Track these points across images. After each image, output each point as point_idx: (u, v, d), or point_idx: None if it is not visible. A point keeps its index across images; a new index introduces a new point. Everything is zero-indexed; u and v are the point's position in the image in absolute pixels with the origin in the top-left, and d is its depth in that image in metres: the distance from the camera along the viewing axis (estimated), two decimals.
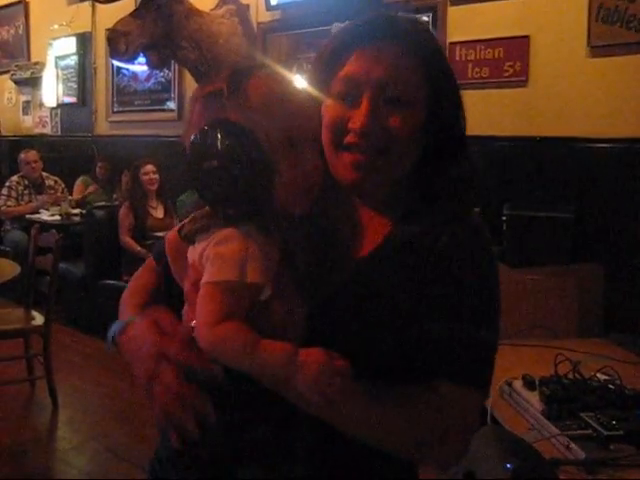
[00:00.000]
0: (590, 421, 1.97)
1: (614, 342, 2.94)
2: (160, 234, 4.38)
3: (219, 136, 0.78)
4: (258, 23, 4.75)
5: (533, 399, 2.21)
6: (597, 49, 3.31)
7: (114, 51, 4.19)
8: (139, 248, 4.55)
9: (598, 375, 2.31)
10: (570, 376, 2.29)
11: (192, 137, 0.81)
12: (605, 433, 1.88)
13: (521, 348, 2.90)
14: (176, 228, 0.91)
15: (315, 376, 0.75)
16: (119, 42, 4.15)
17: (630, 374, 2.31)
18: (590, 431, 1.93)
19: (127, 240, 4.60)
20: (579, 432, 1.94)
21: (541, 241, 3.29)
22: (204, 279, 0.80)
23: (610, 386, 2.21)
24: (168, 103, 5.70)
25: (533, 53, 3.53)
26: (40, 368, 3.61)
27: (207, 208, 0.85)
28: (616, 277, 3.21)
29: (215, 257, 0.80)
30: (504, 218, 3.38)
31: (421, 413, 0.85)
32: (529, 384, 2.29)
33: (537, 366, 2.53)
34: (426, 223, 0.91)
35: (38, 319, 3.54)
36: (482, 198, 3.37)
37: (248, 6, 4.76)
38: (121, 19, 4.21)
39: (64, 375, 3.66)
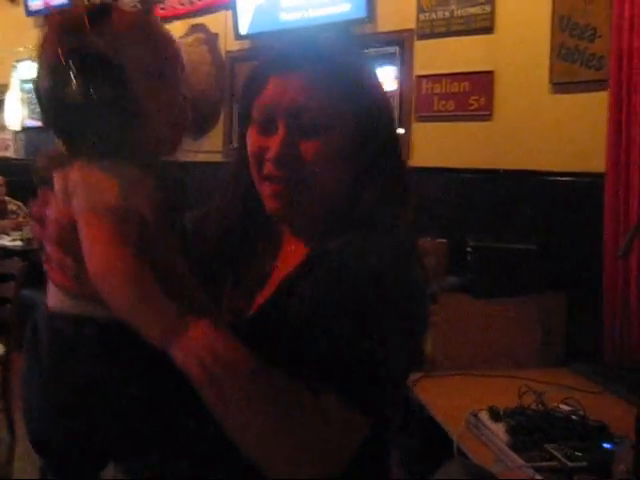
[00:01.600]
0: (554, 452, 2.00)
1: (576, 372, 2.99)
2: None
3: (78, 67, 0.74)
4: (227, 52, 4.78)
5: (499, 430, 2.23)
6: (558, 86, 3.41)
7: None
8: None
9: (561, 406, 2.35)
10: (534, 407, 2.32)
11: (48, 68, 0.76)
12: (569, 464, 1.91)
13: (486, 379, 2.93)
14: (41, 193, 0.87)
15: (197, 348, 0.71)
16: None
17: (592, 404, 2.35)
18: (555, 462, 1.97)
19: None
20: (544, 464, 1.97)
21: (505, 272, 3.34)
22: (80, 208, 0.75)
23: (573, 417, 2.25)
24: None
25: (497, 88, 3.62)
26: None
27: (60, 145, 0.81)
28: (578, 307, 3.27)
29: (86, 185, 0.75)
30: (469, 249, 3.43)
31: (299, 416, 0.75)
32: (494, 415, 2.31)
33: (502, 397, 2.56)
34: (338, 243, 0.87)
35: None
36: (446, 229, 3.43)
37: (217, 35, 4.80)
38: None
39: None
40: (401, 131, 4.01)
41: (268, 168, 0.88)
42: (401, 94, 3.99)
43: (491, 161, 3.65)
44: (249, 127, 0.92)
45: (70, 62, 0.74)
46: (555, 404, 2.35)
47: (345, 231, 0.88)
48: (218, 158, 4.09)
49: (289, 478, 0.76)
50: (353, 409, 0.78)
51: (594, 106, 3.29)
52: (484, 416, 2.34)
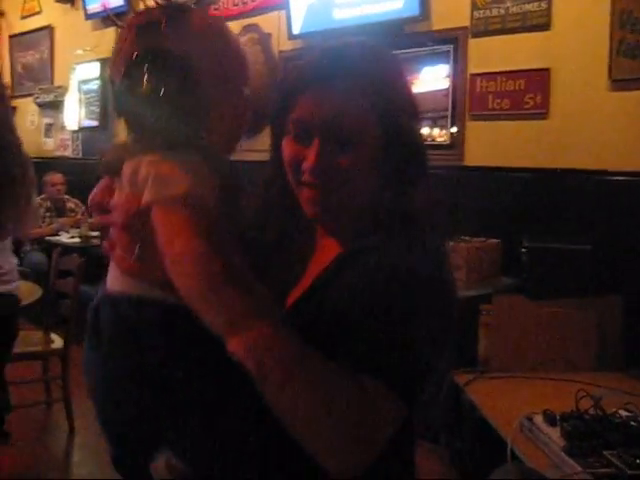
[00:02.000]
0: (613, 459, 1.96)
1: (634, 376, 2.92)
2: None
3: (152, 65, 0.78)
4: (280, 51, 4.81)
5: (554, 435, 2.19)
6: (618, 83, 3.32)
7: None
8: None
9: (620, 411, 2.30)
10: (591, 412, 2.27)
11: (126, 65, 0.80)
12: (629, 472, 1.87)
13: (540, 381, 2.89)
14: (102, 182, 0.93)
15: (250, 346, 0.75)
16: None
17: None
18: (613, 469, 1.92)
19: None
20: (602, 470, 1.93)
21: (560, 273, 3.28)
22: (154, 198, 0.78)
23: (632, 423, 2.20)
24: None
25: (554, 85, 3.55)
26: (57, 391, 3.62)
27: (125, 140, 0.85)
28: (635, 309, 3.19)
29: (160, 177, 0.77)
30: (524, 250, 3.38)
31: (348, 401, 0.80)
32: (550, 419, 2.28)
33: (557, 400, 2.51)
34: (365, 249, 0.93)
35: (57, 342, 3.56)
36: (501, 229, 3.39)
37: (270, 35, 4.84)
38: None
39: (81, 398, 3.65)
40: (454, 130, 3.98)
41: (305, 176, 0.94)
42: (455, 92, 3.96)
43: (547, 160, 3.58)
44: (284, 137, 0.97)
45: (145, 60, 0.78)
46: (613, 409, 2.29)
47: (375, 232, 0.94)
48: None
49: (338, 458, 0.81)
50: (393, 394, 0.83)
51: None
52: (539, 420, 2.31)
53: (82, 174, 6.60)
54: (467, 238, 3.60)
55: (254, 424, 0.87)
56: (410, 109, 0.98)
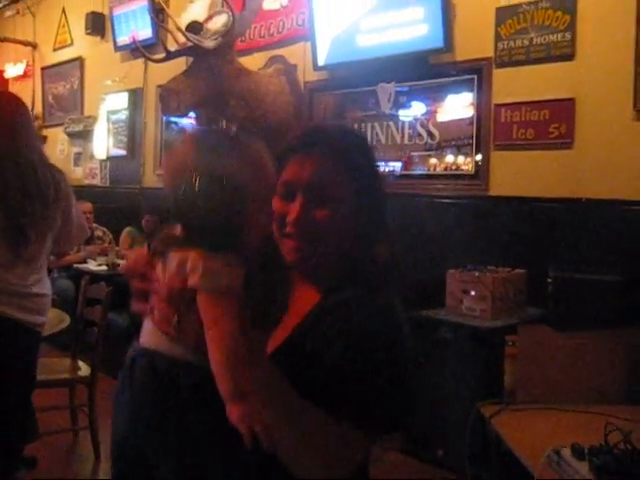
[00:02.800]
0: None
1: None
2: None
3: (207, 178, 0.98)
4: (305, 82, 4.88)
5: (583, 469, 2.15)
6: None
7: (166, 108, 4.33)
8: None
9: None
10: (621, 446, 2.23)
11: (189, 180, 0.99)
12: None
13: (567, 413, 2.85)
14: (138, 252, 1.14)
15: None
16: (171, 100, 4.29)
17: None
18: None
19: None
20: None
21: (588, 304, 3.25)
22: (200, 285, 0.96)
23: None
24: None
25: (579, 115, 3.55)
26: (84, 418, 3.64)
27: (173, 229, 1.04)
28: None
29: (209, 270, 0.96)
30: (550, 280, 3.35)
31: (328, 438, 1.00)
32: (578, 453, 2.24)
33: (585, 433, 2.47)
34: (341, 303, 1.09)
35: (84, 369, 3.60)
36: (526, 259, 3.36)
37: (296, 66, 4.91)
38: (173, 78, 4.35)
39: (107, 426, 3.66)
40: (478, 158, 3.99)
41: (288, 228, 1.11)
42: (479, 122, 3.97)
43: (573, 190, 3.57)
44: (273, 199, 1.14)
45: (204, 181, 0.98)
46: None
47: (347, 283, 1.11)
48: None
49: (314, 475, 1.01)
50: (362, 434, 1.03)
51: None
52: (567, 453, 2.27)
53: (110, 202, 6.73)
54: (492, 268, 3.59)
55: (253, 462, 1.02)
56: (375, 175, 1.19)
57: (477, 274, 3.48)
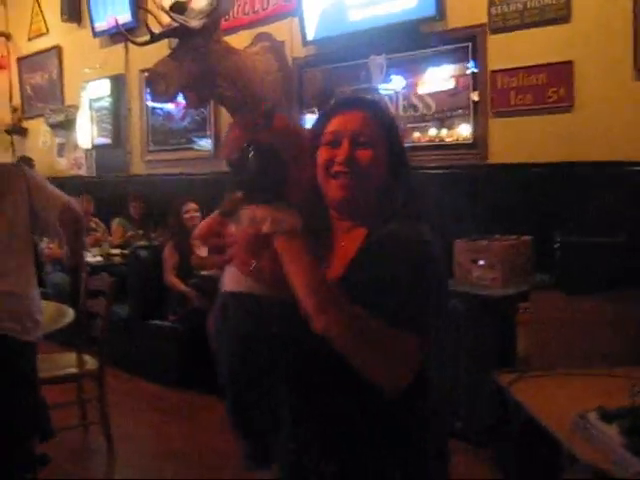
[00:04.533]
0: None
1: None
2: (205, 272, 4.38)
3: (257, 150, 1.20)
4: (294, 58, 4.78)
5: (612, 432, 2.14)
6: None
7: (154, 92, 4.22)
8: (184, 287, 4.55)
9: None
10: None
11: (241, 149, 1.21)
12: None
13: (584, 377, 2.84)
14: (209, 218, 1.43)
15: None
16: (159, 83, 4.17)
17: None
18: None
19: (172, 280, 4.60)
20: None
21: (595, 267, 3.23)
22: (274, 230, 1.18)
23: None
24: (204, 141, 5.76)
25: (577, 77, 3.51)
26: (93, 413, 3.58)
27: (236, 194, 1.23)
28: None
29: (275, 217, 1.18)
30: (556, 245, 3.33)
31: (385, 340, 1.19)
32: (605, 417, 2.23)
33: (605, 396, 2.46)
34: (387, 235, 1.28)
35: (91, 363, 3.53)
36: (531, 226, 3.32)
37: (283, 42, 4.80)
38: (160, 60, 4.25)
39: (115, 418, 3.63)
40: (475, 128, 3.95)
41: (337, 167, 1.31)
42: (475, 90, 3.92)
43: (574, 154, 3.54)
44: (318, 149, 1.36)
45: (250, 149, 1.20)
46: None
47: (387, 220, 1.30)
48: None
49: (390, 379, 1.21)
50: (416, 339, 1.21)
51: None
52: (593, 417, 2.25)
53: (97, 192, 6.62)
54: (498, 236, 3.56)
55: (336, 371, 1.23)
56: (399, 131, 1.42)
57: (486, 243, 3.45)
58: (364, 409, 1.27)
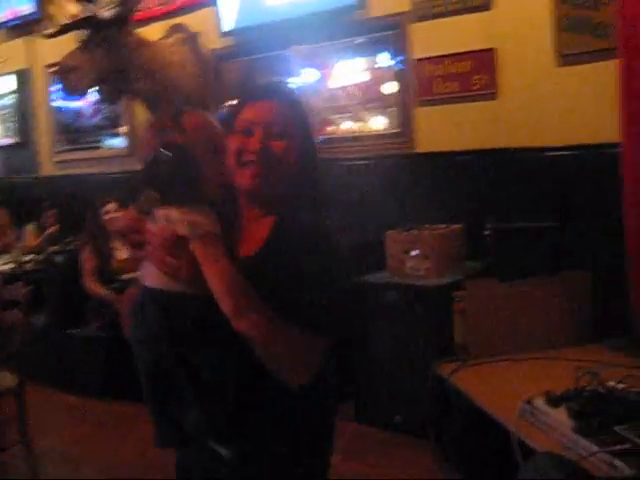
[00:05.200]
0: (627, 434, 1.93)
1: (612, 348, 2.93)
2: (126, 276, 4.19)
3: (168, 152, 1.24)
4: (211, 50, 4.62)
5: (560, 416, 2.14)
6: (565, 58, 3.34)
7: (65, 87, 4.00)
8: (105, 292, 4.33)
9: (610, 383, 2.27)
10: (589, 388, 2.24)
11: (156, 152, 1.25)
12: None
13: (523, 363, 2.86)
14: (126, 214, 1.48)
15: None
16: (69, 77, 3.96)
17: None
18: (629, 445, 1.88)
19: (92, 285, 4.36)
20: (618, 447, 1.89)
21: (526, 252, 3.27)
22: (190, 234, 1.24)
23: (624, 393, 2.17)
24: (118, 138, 5.51)
25: (501, 64, 3.54)
26: (14, 433, 3.32)
27: (153, 193, 1.27)
28: (603, 283, 3.20)
29: (190, 220, 1.24)
30: (488, 232, 3.35)
31: (291, 339, 1.26)
32: (552, 401, 2.23)
33: (547, 380, 2.48)
34: (292, 228, 1.33)
35: (9, 379, 3.26)
36: (461, 214, 3.33)
37: (198, 34, 4.63)
38: (69, 53, 4.02)
39: (39, 436, 3.39)
40: (401, 117, 3.92)
41: (248, 157, 1.32)
42: (400, 79, 3.89)
43: (500, 140, 3.57)
44: (229, 137, 1.38)
45: (162, 152, 1.24)
46: (612, 383, 2.26)
47: (296, 210, 1.35)
48: None
49: (292, 374, 1.27)
50: (317, 335, 1.28)
51: (602, 76, 3.22)
52: (540, 402, 2.26)
53: (4, 195, 6.22)
54: (429, 226, 3.54)
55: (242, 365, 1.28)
56: (308, 120, 1.45)
57: (417, 233, 3.43)
58: (265, 399, 1.31)
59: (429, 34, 3.75)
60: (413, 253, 3.38)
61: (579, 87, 3.32)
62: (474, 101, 3.65)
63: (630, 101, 3.09)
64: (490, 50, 3.55)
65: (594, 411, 2.10)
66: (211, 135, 1.36)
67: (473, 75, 3.61)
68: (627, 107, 3.09)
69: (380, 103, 4.04)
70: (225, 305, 1.22)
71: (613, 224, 3.17)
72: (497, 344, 3.04)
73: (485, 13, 3.55)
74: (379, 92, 4.02)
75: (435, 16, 3.69)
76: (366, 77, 4.08)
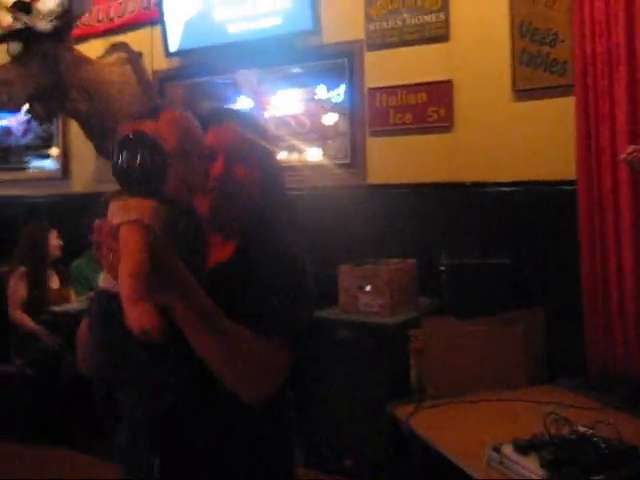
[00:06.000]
0: None
1: (566, 388, 2.86)
2: (57, 308, 3.91)
3: (137, 140, 1.17)
4: (154, 71, 4.43)
5: (531, 465, 2.02)
6: (521, 93, 3.32)
7: None
8: (33, 324, 4.01)
9: (579, 428, 2.17)
10: (558, 434, 2.13)
11: (120, 139, 1.18)
12: None
13: (483, 404, 2.73)
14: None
15: None
16: (1, 92, 3.70)
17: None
18: None
19: (19, 316, 4.04)
20: None
21: (481, 289, 3.19)
22: (117, 220, 1.14)
23: (596, 439, 2.08)
24: (50, 159, 5.20)
25: (457, 97, 3.48)
26: None
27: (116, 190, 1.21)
28: (557, 320, 3.16)
29: (124, 207, 1.14)
30: (442, 268, 3.25)
31: (243, 348, 1.22)
32: (521, 448, 2.11)
33: (508, 423, 2.38)
34: (254, 254, 1.33)
35: None
36: (414, 248, 3.22)
37: (140, 54, 4.44)
38: (1, 66, 3.77)
39: None
40: (352, 148, 3.81)
41: (212, 183, 1.29)
42: (352, 108, 3.79)
43: (455, 174, 3.50)
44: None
45: (134, 144, 1.17)
46: (582, 429, 2.16)
47: (256, 238, 1.36)
48: None
49: (249, 390, 1.24)
50: (283, 348, 1.27)
51: (558, 112, 3.22)
52: (508, 450, 2.13)
53: None
54: (384, 260, 3.42)
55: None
56: (271, 150, 1.45)
57: (372, 267, 3.29)
58: (210, 412, 1.28)
59: (384, 63, 3.67)
60: (367, 289, 3.24)
61: (536, 122, 3.30)
62: (430, 133, 3.58)
63: (585, 139, 3.09)
64: (447, 82, 3.49)
65: (567, 460, 1.99)
66: (187, 133, 1.28)
67: (429, 107, 3.54)
68: (582, 144, 3.09)
69: (332, 131, 3.92)
70: (124, 289, 1.09)
71: (568, 262, 3.14)
72: (454, 384, 2.93)
73: (443, 44, 3.50)
74: (331, 120, 3.91)
75: (391, 45, 3.62)
76: (316, 105, 3.96)
